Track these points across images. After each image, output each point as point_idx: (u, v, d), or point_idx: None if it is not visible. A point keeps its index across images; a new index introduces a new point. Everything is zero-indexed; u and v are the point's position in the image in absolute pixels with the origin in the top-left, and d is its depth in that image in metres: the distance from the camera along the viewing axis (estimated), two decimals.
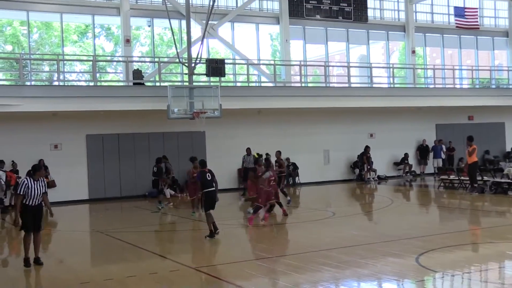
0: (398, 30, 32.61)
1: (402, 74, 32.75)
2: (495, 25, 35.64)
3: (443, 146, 30.68)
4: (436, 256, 11.39)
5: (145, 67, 27.28)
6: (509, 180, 20.62)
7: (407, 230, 14.45)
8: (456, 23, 33.30)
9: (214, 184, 14.05)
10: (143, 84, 24.52)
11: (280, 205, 17.09)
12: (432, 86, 32.10)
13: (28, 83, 24.06)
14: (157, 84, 25.33)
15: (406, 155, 30.23)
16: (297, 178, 27.65)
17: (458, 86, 33.60)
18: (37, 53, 27.09)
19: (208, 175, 14.05)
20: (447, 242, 12.46)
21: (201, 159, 15.44)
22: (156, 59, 26.53)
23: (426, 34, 33.47)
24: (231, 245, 13.42)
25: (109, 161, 24.22)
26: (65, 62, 26.04)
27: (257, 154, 21.43)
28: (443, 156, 30.60)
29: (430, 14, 33.79)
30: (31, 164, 22.04)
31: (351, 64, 30.87)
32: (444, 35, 33.97)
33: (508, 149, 32.80)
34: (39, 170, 11.58)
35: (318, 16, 29.99)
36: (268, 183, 16.21)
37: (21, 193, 11.14)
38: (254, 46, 29.44)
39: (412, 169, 30.59)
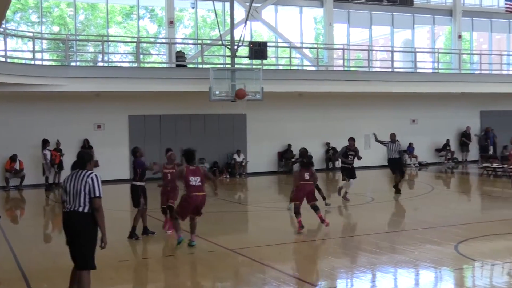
0: (444, 14, 31.92)
1: (447, 59, 32.13)
2: None
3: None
4: (476, 245, 11.24)
5: (188, 49, 27.42)
6: None
7: (447, 217, 14.28)
8: (506, 7, 32.30)
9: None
10: (185, 66, 24.68)
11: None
12: (478, 71, 31.41)
13: (73, 64, 24.46)
14: (200, 66, 25.47)
15: (448, 141, 29.85)
16: (337, 162, 27.46)
17: (505, 72, 32.80)
18: (82, 34, 27.49)
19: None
20: (488, 231, 12.27)
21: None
22: (199, 41, 26.62)
23: (474, 19, 32.64)
24: (269, 228, 13.48)
25: (151, 142, 24.48)
26: (109, 43, 26.38)
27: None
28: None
29: None
30: (75, 143, 22.84)
31: (395, 49, 30.45)
32: (492, 19, 33.09)
33: None
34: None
35: (363, 0, 29.58)
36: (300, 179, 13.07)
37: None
38: (297, 29, 29.24)
39: (454, 156, 30.15)
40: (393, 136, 19.16)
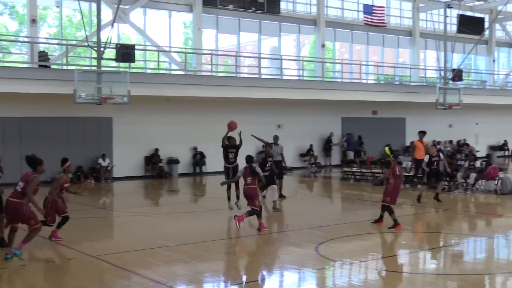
0: (309, 24, 33.12)
1: (312, 67, 33.36)
2: (400, 25, 36.92)
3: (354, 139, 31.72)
4: (335, 246, 11.74)
5: (52, 49, 26.40)
6: (407, 174, 21.49)
7: (309, 220, 14.77)
8: (364, 20, 34.21)
9: None
10: (49, 67, 23.75)
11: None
12: (339, 80, 32.89)
13: None
14: (64, 67, 24.61)
15: (311, 146, 31.00)
16: (204, 167, 27.64)
17: (364, 81, 34.67)
18: None
19: None
20: (346, 232, 12.87)
21: None
22: (64, 42, 25.74)
23: (336, 29, 34.17)
24: (134, 233, 13.29)
25: (10, 145, 23.23)
26: None
27: (389, 149, 14.36)
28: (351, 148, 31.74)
29: (340, 10, 34.55)
30: None
31: (262, 55, 31.15)
32: (353, 31, 34.78)
33: (407, 143, 34.13)
34: None
35: (231, 6, 29.92)
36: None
37: None
38: (166, 33, 29.09)
39: (318, 160, 31.34)
40: (276, 138, 19.30)
